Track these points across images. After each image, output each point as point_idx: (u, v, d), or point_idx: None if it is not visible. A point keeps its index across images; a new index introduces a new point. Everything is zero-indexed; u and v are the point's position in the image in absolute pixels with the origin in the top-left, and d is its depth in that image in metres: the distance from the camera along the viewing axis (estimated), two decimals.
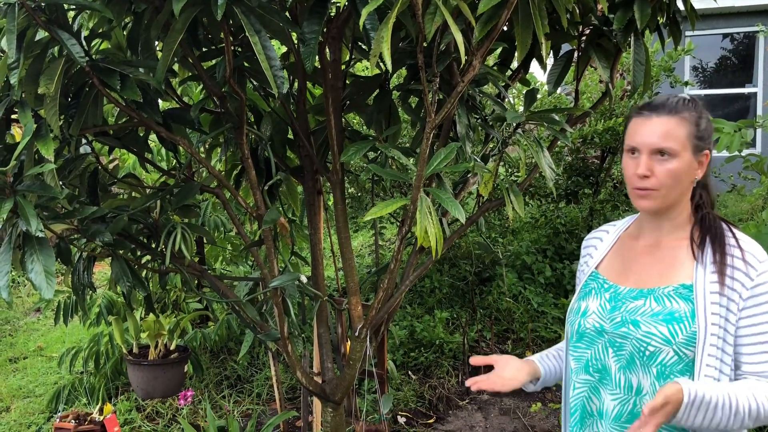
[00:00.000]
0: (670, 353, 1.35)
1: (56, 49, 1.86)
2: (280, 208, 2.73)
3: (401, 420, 3.82)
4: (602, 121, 4.92)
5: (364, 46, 2.50)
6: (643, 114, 1.41)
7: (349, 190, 5.24)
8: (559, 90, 6.53)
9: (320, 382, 2.58)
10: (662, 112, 1.39)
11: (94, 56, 1.96)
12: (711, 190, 1.47)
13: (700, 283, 1.36)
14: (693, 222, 1.44)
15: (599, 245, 1.60)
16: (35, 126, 1.75)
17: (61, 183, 2.12)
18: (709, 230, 1.40)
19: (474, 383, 1.53)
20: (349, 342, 2.62)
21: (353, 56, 2.55)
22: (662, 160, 1.37)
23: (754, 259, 1.35)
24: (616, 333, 1.42)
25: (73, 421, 3.24)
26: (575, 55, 2.42)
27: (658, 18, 2.31)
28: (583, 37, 2.38)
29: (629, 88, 5.38)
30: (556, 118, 2.26)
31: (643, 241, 1.49)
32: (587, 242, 1.64)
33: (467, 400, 4.12)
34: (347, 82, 2.50)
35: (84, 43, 1.92)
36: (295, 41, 2.19)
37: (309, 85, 2.80)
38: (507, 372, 1.56)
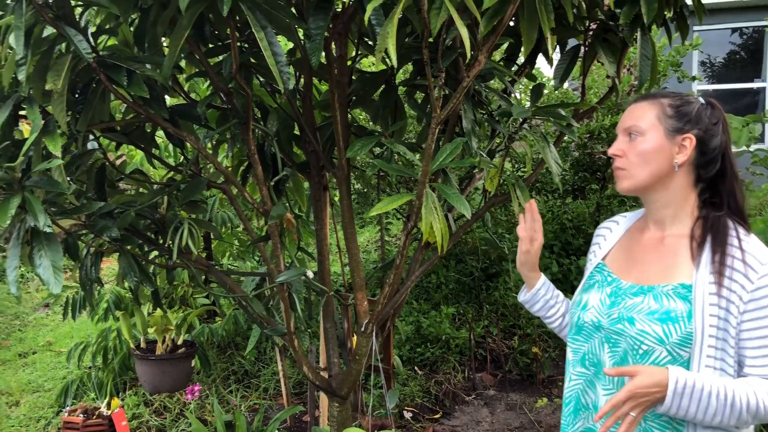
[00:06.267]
0: (663, 353, 1.34)
1: (63, 45, 1.87)
2: (287, 204, 2.74)
3: (407, 415, 3.83)
4: (609, 116, 4.90)
5: (370, 42, 2.50)
6: (628, 105, 1.50)
7: (355, 186, 5.24)
8: (566, 85, 6.51)
9: (326, 377, 2.59)
10: (639, 100, 1.47)
11: (101, 52, 1.97)
12: (734, 189, 1.42)
13: (700, 284, 1.34)
14: (696, 219, 1.43)
15: (608, 236, 1.60)
16: (43, 122, 1.76)
17: (68, 179, 2.13)
18: (711, 229, 1.39)
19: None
20: (355, 337, 2.62)
21: (359, 52, 2.55)
22: (632, 140, 1.43)
23: (756, 261, 1.33)
24: (612, 329, 1.43)
25: (81, 415, 3.27)
26: (582, 50, 2.42)
27: (665, 12, 2.30)
28: (590, 32, 2.37)
29: (636, 83, 5.36)
30: (563, 113, 2.25)
31: (648, 235, 1.49)
32: (598, 231, 1.65)
33: (473, 396, 4.12)
34: (353, 77, 2.50)
35: (91, 39, 1.93)
36: (301, 37, 2.19)
37: (315, 80, 2.81)
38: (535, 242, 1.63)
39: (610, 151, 1.46)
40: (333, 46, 2.21)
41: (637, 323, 1.37)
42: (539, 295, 1.68)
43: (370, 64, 5.00)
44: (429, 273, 5.17)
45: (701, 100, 1.45)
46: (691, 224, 1.43)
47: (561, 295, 1.72)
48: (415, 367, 4.38)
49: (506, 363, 4.42)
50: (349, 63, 2.41)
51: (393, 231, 6.49)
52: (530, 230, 1.62)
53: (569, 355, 1.56)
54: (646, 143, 1.41)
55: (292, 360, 3.86)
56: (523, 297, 1.72)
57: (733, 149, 2.83)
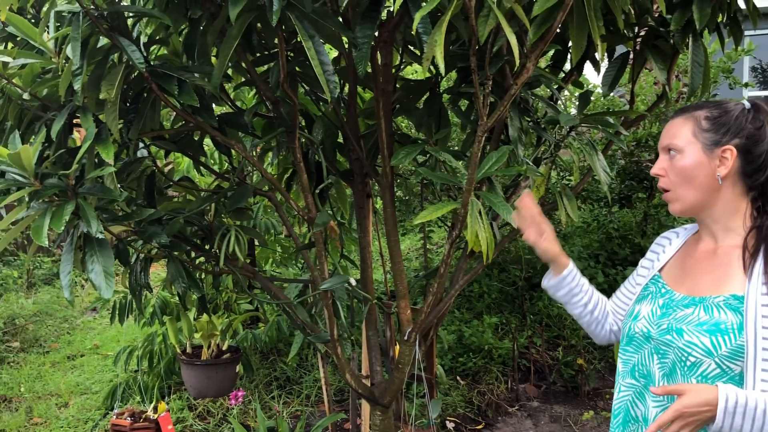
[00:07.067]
0: (712, 365, 1.30)
1: (116, 55, 1.92)
2: (330, 211, 2.75)
3: (450, 425, 3.80)
4: (657, 123, 4.80)
5: (414, 50, 2.50)
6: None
7: (397, 194, 5.24)
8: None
9: (369, 385, 2.58)
10: (675, 115, 1.44)
11: (152, 62, 2.01)
12: None
13: (752, 295, 1.30)
14: (749, 229, 1.39)
15: (667, 248, 1.57)
16: (96, 130, 1.81)
17: (119, 186, 2.18)
18: (765, 239, 1.35)
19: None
20: (397, 346, 2.61)
21: (403, 60, 2.55)
22: (671, 158, 1.41)
23: None
24: (661, 340, 1.40)
25: (128, 418, 3.33)
26: (630, 56, 2.37)
27: (718, 17, 2.25)
28: (639, 39, 2.33)
29: (685, 90, 5.25)
30: (611, 120, 2.22)
31: (703, 246, 1.46)
32: (658, 240, 1.62)
33: (517, 407, 4.07)
34: (397, 85, 2.50)
35: (143, 49, 1.97)
36: (347, 45, 2.20)
37: (359, 89, 2.82)
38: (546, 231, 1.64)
39: (653, 171, 1.45)
40: (378, 54, 2.21)
41: (685, 334, 1.34)
42: (566, 281, 1.65)
43: (412, 71, 5.00)
44: (471, 282, 5.12)
45: (746, 103, 1.40)
46: (744, 234, 1.39)
47: (587, 284, 1.68)
48: (458, 377, 4.35)
49: (550, 374, 4.35)
50: (393, 71, 2.41)
51: (434, 239, 6.47)
52: (528, 225, 1.65)
53: (619, 366, 1.53)
54: (684, 160, 1.39)
55: (333, 367, 3.87)
56: (546, 282, 1.70)
57: None
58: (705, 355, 1.31)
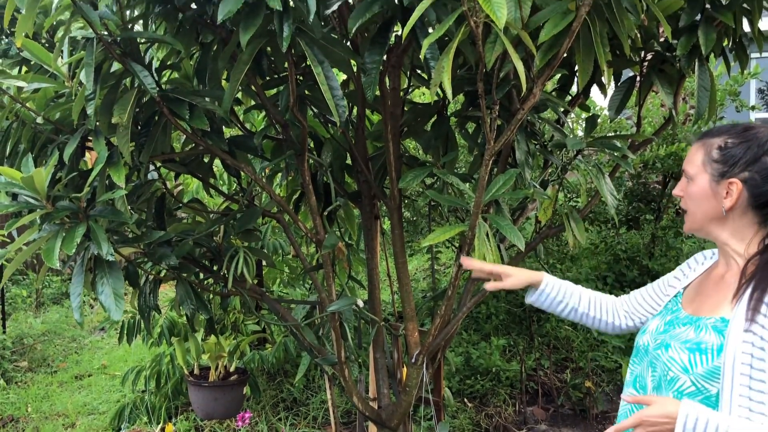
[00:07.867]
0: (687, 383, 1.33)
1: (129, 80, 1.95)
2: (338, 233, 2.76)
3: None
4: (664, 146, 4.81)
5: (422, 74, 2.53)
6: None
7: (405, 215, 5.24)
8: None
9: (376, 407, 2.57)
10: (697, 138, 1.46)
11: (163, 86, 2.04)
12: None
13: (737, 320, 1.31)
14: (751, 255, 1.38)
15: (696, 268, 1.59)
16: (108, 153, 1.83)
17: (130, 208, 2.20)
18: (761, 268, 1.34)
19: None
20: (405, 368, 2.61)
21: (411, 83, 2.57)
22: (688, 182, 1.44)
23: None
24: (654, 354, 1.44)
25: None
26: (637, 80, 2.39)
27: (723, 42, 2.27)
28: (645, 63, 2.34)
29: (692, 112, 5.26)
30: (618, 144, 2.23)
31: (718, 270, 1.48)
32: (695, 257, 1.63)
33: (525, 430, 4.03)
34: (405, 108, 2.52)
35: (154, 74, 2.00)
36: (355, 69, 2.23)
37: (367, 111, 2.84)
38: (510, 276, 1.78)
39: (674, 191, 1.49)
40: (387, 78, 2.23)
41: (670, 350, 1.38)
42: (543, 294, 1.77)
43: (420, 94, 5.04)
44: (479, 303, 5.11)
45: None
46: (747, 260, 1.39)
47: (572, 290, 1.76)
48: (465, 400, 4.32)
49: (558, 397, 4.32)
50: (401, 94, 2.43)
51: (442, 259, 6.46)
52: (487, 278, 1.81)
53: (627, 376, 1.59)
54: (694, 188, 1.42)
55: (340, 389, 3.86)
56: (528, 299, 1.82)
57: None
58: (681, 372, 1.34)
